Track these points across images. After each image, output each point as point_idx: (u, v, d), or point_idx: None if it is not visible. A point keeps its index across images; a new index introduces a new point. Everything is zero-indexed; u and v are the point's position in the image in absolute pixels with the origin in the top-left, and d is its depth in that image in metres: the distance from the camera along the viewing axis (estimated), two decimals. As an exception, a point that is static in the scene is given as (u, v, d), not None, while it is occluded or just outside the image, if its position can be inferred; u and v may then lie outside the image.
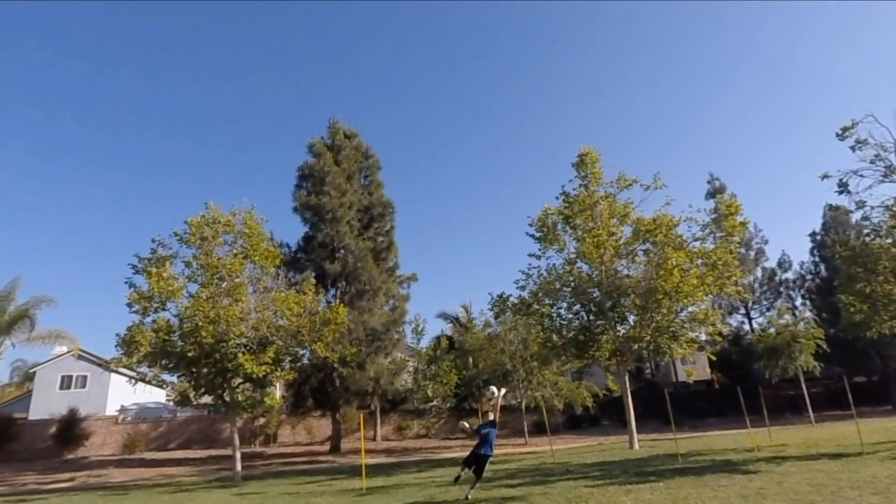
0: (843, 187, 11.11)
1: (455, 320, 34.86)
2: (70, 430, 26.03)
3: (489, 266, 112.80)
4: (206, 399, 15.48)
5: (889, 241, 12.81)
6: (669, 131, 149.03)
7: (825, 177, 11.14)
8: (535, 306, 17.92)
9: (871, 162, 10.98)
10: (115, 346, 14.02)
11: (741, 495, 6.62)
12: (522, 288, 18.23)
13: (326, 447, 24.20)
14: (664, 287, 15.39)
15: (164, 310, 14.38)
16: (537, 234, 17.96)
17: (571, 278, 17.41)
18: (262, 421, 27.87)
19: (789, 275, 36.01)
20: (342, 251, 23.08)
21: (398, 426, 29.52)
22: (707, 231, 16.58)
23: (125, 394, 33.05)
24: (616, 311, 17.32)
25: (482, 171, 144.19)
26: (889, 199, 11.70)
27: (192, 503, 10.33)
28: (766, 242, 36.25)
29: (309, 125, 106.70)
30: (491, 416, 8.14)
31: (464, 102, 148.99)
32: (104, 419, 28.42)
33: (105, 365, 25.19)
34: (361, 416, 13.96)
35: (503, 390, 9.80)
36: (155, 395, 36.23)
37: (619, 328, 17.38)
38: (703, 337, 18.30)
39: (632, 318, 17.47)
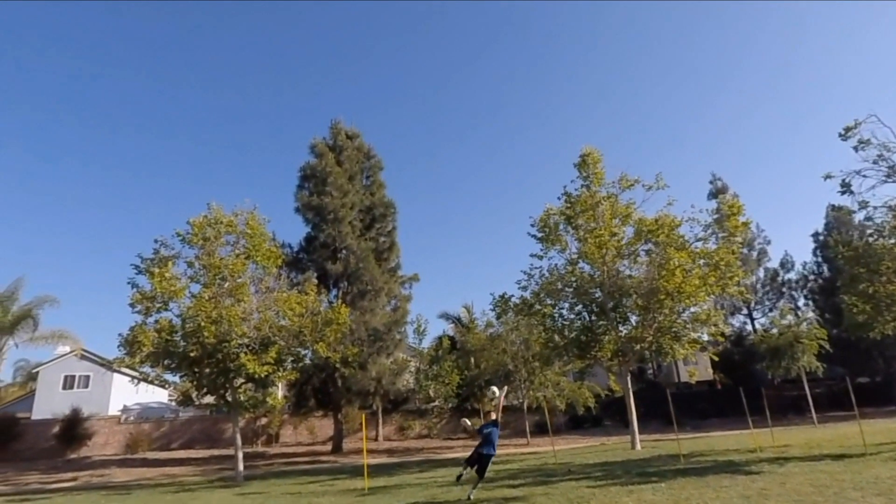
0: (845, 187, 11.08)
1: (457, 320, 34.84)
2: (73, 429, 26.13)
3: (491, 266, 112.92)
4: (209, 399, 15.52)
5: (892, 241, 12.80)
6: (672, 131, 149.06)
7: (828, 177, 11.11)
8: (537, 306, 17.92)
9: (874, 162, 10.95)
10: (118, 346, 14.12)
11: (743, 496, 6.61)
12: (524, 288, 18.26)
13: (328, 447, 24.24)
14: (666, 287, 15.38)
15: (166, 310, 14.45)
16: (539, 235, 17.96)
17: (573, 279, 17.40)
18: (264, 421, 27.94)
19: (792, 275, 35.96)
20: (344, 251, 23.11)
21: (400, 426, 29.55)
22: (709, 231, 16.56)
23: (128, 394, 33.12)
24: (618, 311, 17.31)
25: (484, 172, 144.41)
26: (892, 200, 11.66)
27: (194, 503, 10.35)
28: (769, 243, 36.13)
29: (311, 125, 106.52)
30: (493, 416, 8.16)
31: (465, 102, 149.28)
32: (107, 419, 28.52)
33: (108, 365, 25.30)
34: (363, 416, 14.01)
35: (505, 388, 9.82)
36: (157, 395, 36.34)
37: (621, 328, 17.36)
38: (706, 337, 18.30)
39: (634, 319, 17.47)
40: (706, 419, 28.08)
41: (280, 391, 21.58)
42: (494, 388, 8.50)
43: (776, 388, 31.25)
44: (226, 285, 14.69)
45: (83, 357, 33.65)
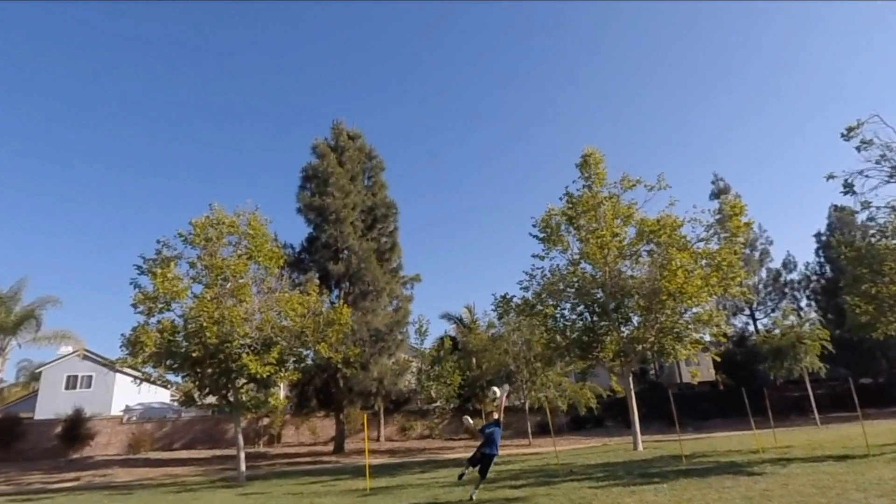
0: (848, 188, 11.07)
1: (458, 321, 34.83)
2: (75, 429, 26.21)
3: (492, 267, 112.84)
4: (211, 399, 15.56)
5: (895, 241, 12.76)
6: (674, 132, 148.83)
7: (830, 177, 11.09)
8: (539, 307, 17.91)
9: (877, 162, 10.93)
10: (121, 347, 14.13)
11: (746, 497, 6.60)
12: (526, 289, 18.24)
13: (330, 447, 24.27)
14: (668, 288, 15.35)
15: (168, 310, 14.47)
16: (541, 235, 17.93)
17: (575, 279, 17.38)
18: (266, 421, 27.98)
19: (794, 276, 35.89)
20: (346, 252, 23.14)
21: (402, 427, 29.56)
22: (711, 232, 16.51)
23: (130, 394, 33.23)
24: (620, 311, 17.28)
25: (485, 172, 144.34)
26: (895, 200, 11.65)
27: (196, 503, 10.37)
28: (771, 243, 36.02)
29: (312, 126, 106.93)
30: (495, 416, 8.18)
31: (467, 103, 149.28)
32: (109, 419, 28.62)
33: (110, 365, 25.44)
34: (365, 416, 14.03)
35: (506, 387, 9.83)
36: (160, 396, 36.44)
37: (622, 329, 17.33)
38: (708, 338, 18.25)
39: (636, 319, 17.43)
40: (708, 420, 28.04)
41: (282, 391, 21.63)
42: (495, 389, 8.51)
43: (778, 388, 31.19)
44: (228, 286, 14.71)
45: (86, 357, 33.80)
